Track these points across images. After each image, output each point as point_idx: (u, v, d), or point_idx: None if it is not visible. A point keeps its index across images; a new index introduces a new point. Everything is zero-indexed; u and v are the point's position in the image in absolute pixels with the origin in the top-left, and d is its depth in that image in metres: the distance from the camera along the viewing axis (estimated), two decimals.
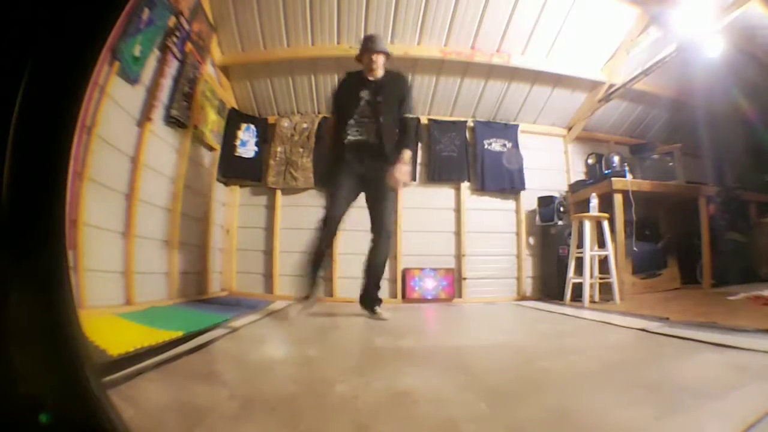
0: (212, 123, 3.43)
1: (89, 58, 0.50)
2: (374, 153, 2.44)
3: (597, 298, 3.21)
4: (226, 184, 3.87)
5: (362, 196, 2.51)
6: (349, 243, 3.63)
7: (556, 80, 3.85)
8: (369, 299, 2.49)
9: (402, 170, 2.40)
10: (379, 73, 2.49)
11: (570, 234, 3.32)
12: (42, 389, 0.45)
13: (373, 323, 2.30)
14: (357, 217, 2.50)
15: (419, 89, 3.84)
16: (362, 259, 2.49)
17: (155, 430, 0.77)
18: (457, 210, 4.00)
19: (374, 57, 2.45)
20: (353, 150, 2.44)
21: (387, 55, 2.50)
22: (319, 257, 2.40)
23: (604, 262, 3.19)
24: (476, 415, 0.85)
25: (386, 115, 2.45)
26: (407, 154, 2.45)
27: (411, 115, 2.56)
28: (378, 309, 2.46)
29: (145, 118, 2.40)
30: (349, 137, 2.44)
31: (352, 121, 2.44)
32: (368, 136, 2.44)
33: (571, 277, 3.22)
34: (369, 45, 2.47)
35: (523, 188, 4.03)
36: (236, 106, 3.87)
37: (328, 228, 2.41)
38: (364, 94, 2.45)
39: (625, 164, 3.77)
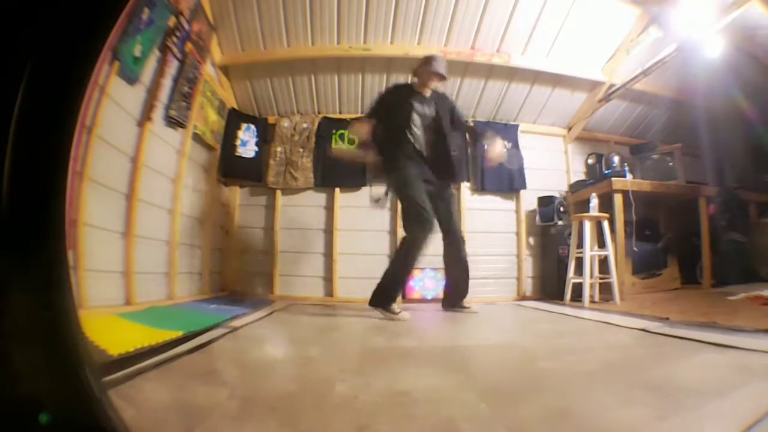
0: (212, 123, 3.43)
1: (89, 58, 0.50)
2: (440, 162, 2.59)
3: (597, 298, 3.20)
4: (226, 184, 3.87)
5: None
6: (349, 243, 3.67)
7: (556, 80, 3.85)
8: (458, 298, 2.69)
9: (497, 146, 2.65)
10: (430, 91, 2.65)
11: (570, 234, 3.32)
12: (42, 389, 0.45)
13: (374, 323, 2.30)
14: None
15: None
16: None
17: (155, 430, 0.77)
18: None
19: (435, 78, 2.59)
20: (419, 158, 2.55)
21: (445, 79, 2.63)
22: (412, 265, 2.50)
23: (604, 262, 3.18)
24: (476, 415, 0.85)
25: (447, 127, 2.61)
26: (490, 133, 2.75)
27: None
28: (465, 303, 2.72)
29: (145, 118, 2.40)
30: (414, 145, 2.55)
31: (413, 131, 2.55)
32: (432, 146, 2.59)
33: (571, 277, 3.22)
34: (435, 66, 2.56)
35: (524, 187, 4.03)
36: (236, 106, 3.87)
37: (429, 227, 2.43)
38: (423, 107, 2.59)
39: (625, 164, 3.77)
